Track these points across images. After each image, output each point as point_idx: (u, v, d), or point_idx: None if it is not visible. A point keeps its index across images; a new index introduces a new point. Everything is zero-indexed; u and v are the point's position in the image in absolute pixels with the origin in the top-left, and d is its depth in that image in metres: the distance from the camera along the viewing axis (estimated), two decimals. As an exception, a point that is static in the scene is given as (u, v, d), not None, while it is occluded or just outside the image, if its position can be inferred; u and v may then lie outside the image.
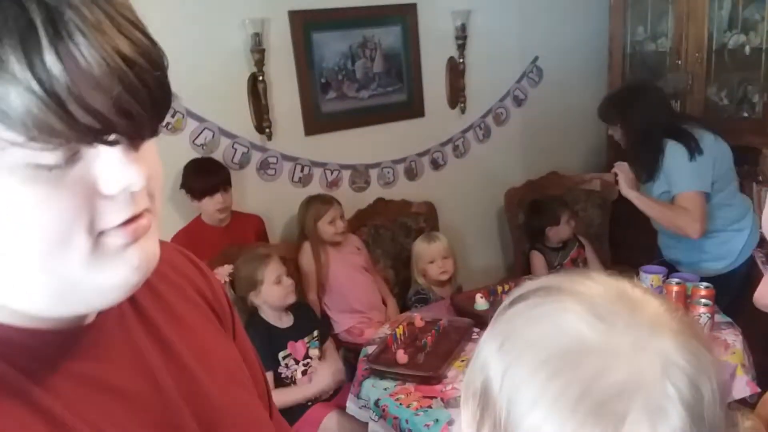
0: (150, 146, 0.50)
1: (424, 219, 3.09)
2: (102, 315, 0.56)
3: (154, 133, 0.48)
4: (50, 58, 0.40)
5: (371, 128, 2.99)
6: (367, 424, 1.97)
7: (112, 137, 0.44)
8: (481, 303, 2.26)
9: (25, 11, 0.40)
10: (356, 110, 2.92)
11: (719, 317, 2.10)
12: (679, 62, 3.16)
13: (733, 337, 1.99)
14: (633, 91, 2.48)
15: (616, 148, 3.54)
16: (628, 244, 3.09)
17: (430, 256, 2.73)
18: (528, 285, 0.49)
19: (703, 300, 1.98)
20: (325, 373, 2.21)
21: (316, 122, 2.83)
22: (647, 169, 2.35)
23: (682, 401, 0.41)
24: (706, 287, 2.02)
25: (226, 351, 0.71)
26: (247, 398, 0.71)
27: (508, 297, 0.49)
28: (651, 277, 2.21)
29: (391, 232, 3.02)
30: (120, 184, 0.46)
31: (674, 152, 2.27)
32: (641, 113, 2.34)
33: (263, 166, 2.77)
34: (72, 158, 0.44)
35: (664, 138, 2.30)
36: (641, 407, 0.40)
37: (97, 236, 0.47)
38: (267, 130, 2.70)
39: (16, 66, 0.39)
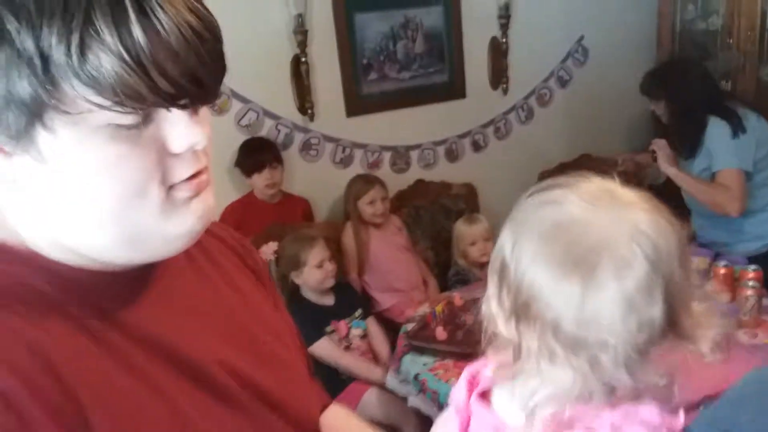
0: (205, 113, 0.55)
1: (464, 201, 3.08)
2: (164, 263, 0.61)
3: (215, 98, 0.54)
4: (137, 31, 0.46)
5: (412, 110, 2.99)
6: (406, 399, 2.00)
7: (184, 101, 0.50)
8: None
9: None
10: (397, 91, 2.93)
11: (768, 301, 2.04)
12: (731, 41, 3.05)
13: (782, 321, 1.94)
14: (678, 65, 2.47)
15: (661, 128, 3.46)
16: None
17: (471, 237, 2.73)
18: (543, 183, 0.60)
19: (750, 282, 1.93)
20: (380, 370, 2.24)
21: (357, 103, 2.85)
22: (689, 145, 2.32)
23: (646, 258, 0.52)
24: (755, 269, 1.97)
25: (272, 314, 0.76)
26: (294, 358, 0.75)
27: (528, 191, 0.60)
28: (698, 259, 2.17)
29: (430, 213, 3.02)
30: (187, 143, 0.52)
31: (717, 128, 2.25)
32: (686, 88, 2.32)
33: (305, 147, 2.80)
34: (146, 120, 0.50)
35: (708, 114, 2.28)
36: (609, 260, 0.52)
37: (168, 189, 0.53)
38: (309, 111, 2.74)
39: (109, 38, 0.45)
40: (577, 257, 0.53)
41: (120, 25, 0.45)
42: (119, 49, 0.45)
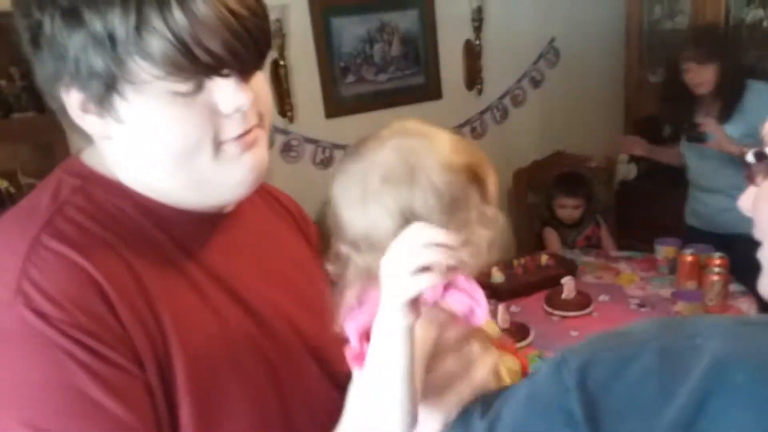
0: (259, 79, 0.67)
1: (443, 199, 3.13)
2: (234, 215, 0.75)
3: (257, 67, 0.65)
4: (178, 14, 0.56)
5: (390, 111, 3.04)
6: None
7: (225, 71, 0.61)
8: (497, 276, 2.33)
9: None
10: (375, 93, 2.99)
11: (735, 286, 2.13)
12: (697, 40, 3.15)
13: (747, 305, 2.03)
14: (714, 29, 2.49)
15: (632, 127, 3.56)
16: (638, 220, 3.11)
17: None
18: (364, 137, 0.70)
19: (716, 269, 2.01)
20: None
21: (336, 105, 2.90)
22: (729, 109, 2.29)
23: (400, 183, 0.62)
24: (720, 256, 2.06)
25: (318, 277, 0.84)
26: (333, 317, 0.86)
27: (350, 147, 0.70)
28: (666, 249, 2.26)
29: (409, 212, 3.07)
30: (233, 105, 0.63)
31: (765, 92, 2.25)
32: (733, 49, 2.35)
33: (286, 148, 2.85)
34: (198, 88, 0.61)
35: (747, 78, 2.29)
36: (379, 178, 0.63)
37: (219, 145, 0.64)
38: (289, 113, 2.79)
39: (155, 21, 0.56)
40: (364, 184, 0.64)
41: (164, 9, 0.56)
42: (164, 29, 0.56)
